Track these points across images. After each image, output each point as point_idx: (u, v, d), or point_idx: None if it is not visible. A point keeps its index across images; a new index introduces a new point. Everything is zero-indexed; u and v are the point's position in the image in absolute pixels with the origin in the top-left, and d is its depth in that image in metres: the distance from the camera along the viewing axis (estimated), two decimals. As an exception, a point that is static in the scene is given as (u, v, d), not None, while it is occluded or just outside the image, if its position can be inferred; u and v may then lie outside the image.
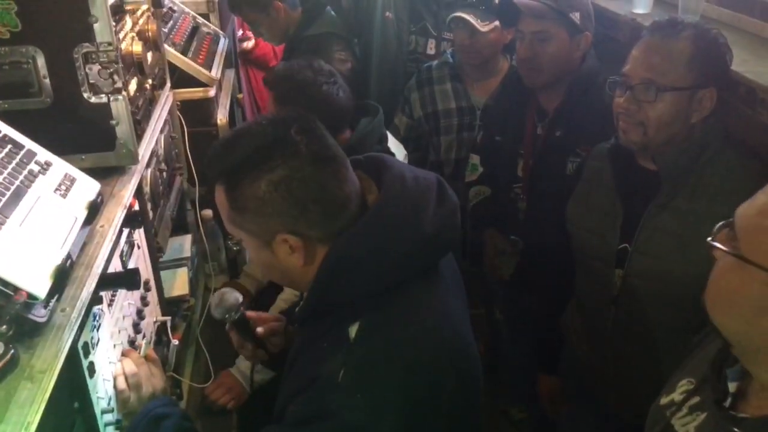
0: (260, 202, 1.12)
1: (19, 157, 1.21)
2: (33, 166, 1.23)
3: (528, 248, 2.32)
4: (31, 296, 1.01)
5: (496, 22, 2.46)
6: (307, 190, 1.12)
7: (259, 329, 1.52)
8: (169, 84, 2.01)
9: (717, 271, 1.00)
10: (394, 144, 2.15)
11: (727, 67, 1.60)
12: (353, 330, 1.13)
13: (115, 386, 1.31)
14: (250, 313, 1.54)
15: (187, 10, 2.58)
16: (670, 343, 1.69)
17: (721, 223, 1.01)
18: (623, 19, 2.23)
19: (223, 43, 2.59)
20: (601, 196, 1.80)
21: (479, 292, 3.04)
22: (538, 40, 2.07)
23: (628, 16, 2.21)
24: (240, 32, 3.71)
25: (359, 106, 2.03)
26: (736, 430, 0.99)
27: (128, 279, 1.27)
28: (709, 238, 1.01)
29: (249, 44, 3.78)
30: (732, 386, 1.05)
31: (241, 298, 1.52)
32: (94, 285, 1.17)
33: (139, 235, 1.56)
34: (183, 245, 2.14)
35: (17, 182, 1.15)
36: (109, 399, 1.28)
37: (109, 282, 1.22)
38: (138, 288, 1.31)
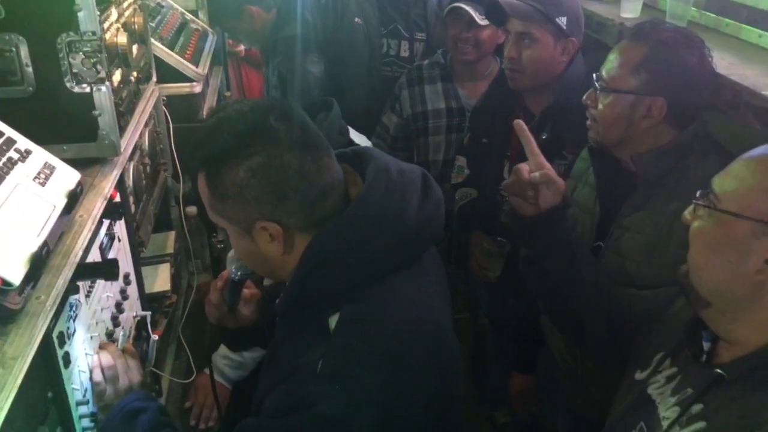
0: (239, 189, 1.12)
1: (-2, 143, 1.19)
2: (12, 154, 1.21)
3: (513, 249, 2.32)
4: (5, 282, 0.99)
5: None
6: (286, 177, 1.11)
7: (246, 291, 1.49)
8: (155, 78, 2.00)
9: (701, 230, 1.13)
10: (355, 135, 2.15)
11: (692, 80, 1.56)
12: (333, 321, 1.13)
13: (91, 378, 1.30)
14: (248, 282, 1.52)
15: (175, 6, 2.57)
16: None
17: (699, 191, 1.13)
18: (611, 23, 2.24)
19: (211, 40, 2.58)
20: (584, 193, 1.82)
21: (464, 296, 3.03)
22: (522, 42, 2.07)
23: (617, 21, 2.22)
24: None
25: (317, 102, 2.05)
26: (718, 370, 1.07)
27: (106, 269, 1.25)
28: (688, 209, 1.15)
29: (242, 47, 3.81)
30: (706, 346, 1.16)
31: None
32: (71, 274, 1.15)
33: (120, 227, 1.55)
34: (166, 241, 2.13)
35: (-5, 168, 1.14)
36: (85, 391, 1.26)
37: (86, 271, 1.21)
38: (116, 279, 1.28)
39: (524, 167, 1.48)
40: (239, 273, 1.39)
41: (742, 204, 1.06)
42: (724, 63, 1.65)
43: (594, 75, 1.68)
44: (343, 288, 1.15)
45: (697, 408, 1.09)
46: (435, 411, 1.18)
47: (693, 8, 2.09)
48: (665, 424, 1.13)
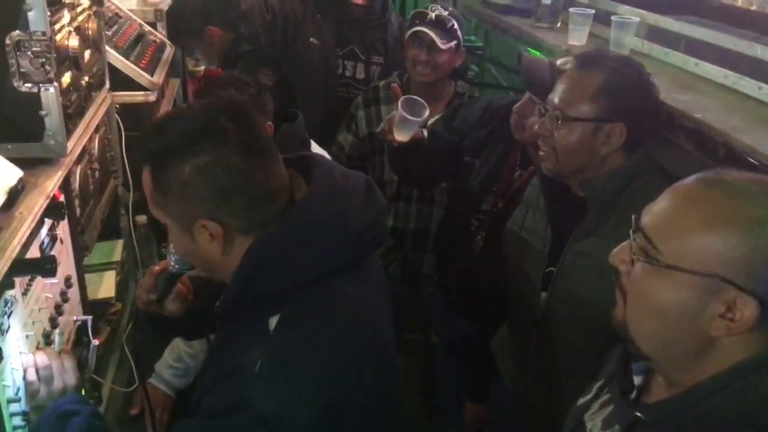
0: (183, 186, 1.12)
1: (-63, 137, 1.18)
2: (-48, 148, 1.20)
3: (479, 282, 2.25)
4: (-65, 272, 0.98)
5: (452, 44, 2.52)
6: (231, 178, 1.12)
7: (179, 285, 1.45)
8: (108, 85, 1.99)
9: (639, 283, 1.00)
10: (316, 149, 2.19)
11: (644, 105, 1.60)
12: (273, 322, 1.13)
13: (24, 377, 1.27)
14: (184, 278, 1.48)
15: (134, 17, 2.56)
16: (585, 369, 1.72)
17: (631, 232, 1.03)
18: (559, 50, 2.32)
19: (168, 52, 2.58)
20: (535, 219, 1.82)
21: (417, 316, 3.05)
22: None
23: (563, 47, 2.30)
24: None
25: (282, 114, 2.10)
26: (638, 414, 1.03)
27: (42, 265, 1.24)
28: (616, 252, 1.05)
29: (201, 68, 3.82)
30: (637, 380, 1.09)
31: None
32: (6, 269, 1.14)
33: (63, 229, 1.54)
34: (114, 249, 2.11)
35: (-68, 160, 1.13)
36: (18, 389, 1.24)
37: (22, 267, 1.19)
38: (53, 276, 1.27)
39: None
40: (177, 267, 1.38)
41: (687, 256, 0.93)
42: (662, 88, 1.72)
43: (540, 107, 1.68)
44: (284, 289, 1.16)
45: None
46: (373, 413, 1.19)
47: (635, 37, 2.18)
48: None
